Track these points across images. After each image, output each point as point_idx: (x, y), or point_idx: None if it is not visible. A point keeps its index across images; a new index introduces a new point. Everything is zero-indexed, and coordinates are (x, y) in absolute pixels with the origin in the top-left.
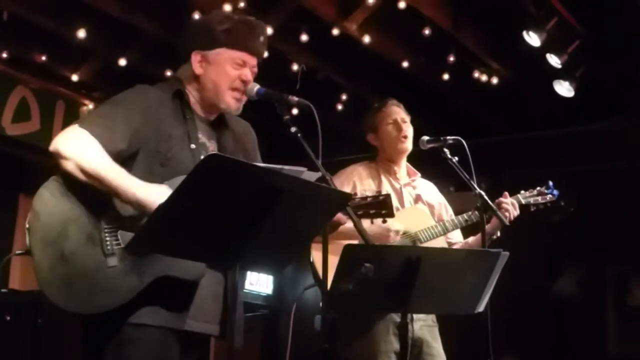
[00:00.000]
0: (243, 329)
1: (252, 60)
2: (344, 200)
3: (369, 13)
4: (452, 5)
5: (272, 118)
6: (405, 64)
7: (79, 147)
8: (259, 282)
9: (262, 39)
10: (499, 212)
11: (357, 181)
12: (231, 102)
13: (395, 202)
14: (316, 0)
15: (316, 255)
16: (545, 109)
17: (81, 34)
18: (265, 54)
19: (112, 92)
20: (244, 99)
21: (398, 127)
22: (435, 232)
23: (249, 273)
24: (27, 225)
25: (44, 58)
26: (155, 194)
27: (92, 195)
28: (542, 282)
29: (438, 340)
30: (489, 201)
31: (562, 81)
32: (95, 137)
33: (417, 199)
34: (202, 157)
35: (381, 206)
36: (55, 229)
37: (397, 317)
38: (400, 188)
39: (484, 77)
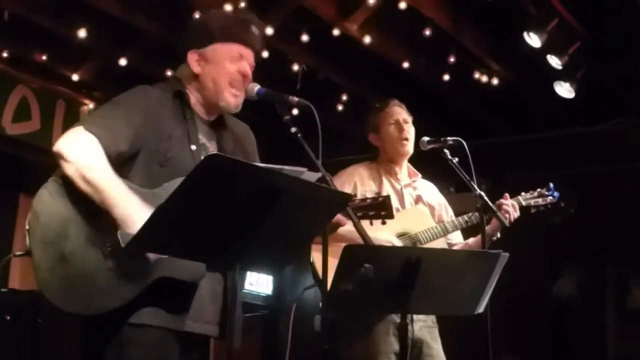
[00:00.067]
0: (242, 329)
1: (249, 54)
2: (344, 201)
3: (370, 13)
4: (452, 5)
5: (272, 118)
6: (405, 65)
7: (83, 153)
8: (258, 283)
9: (256, 30)
10: (499, 213)
11: (359, 182)
12: (230, 99)
13: (396, 203)
14: (317, 1)
15: (316, 256)
16: (545, 110)
17: (82, 33)
18: (266, 54)
19: (112, 92)
20: (242, 96)
21: (400, 128)
22: (435, 233)
23: (248, 273)
24: (26, 227)
25: (44, 58)
26: (134, 217)
27: None
28: (542, 283)
29: (438, 341)
30: (489, 202)
31: (562, 82)
32: (98, 140)
33: (418, 199)
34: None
35: (380, 207)
36: (54, 230)
37: (397, 318)
38: (401, 189)
39: (485, 78)
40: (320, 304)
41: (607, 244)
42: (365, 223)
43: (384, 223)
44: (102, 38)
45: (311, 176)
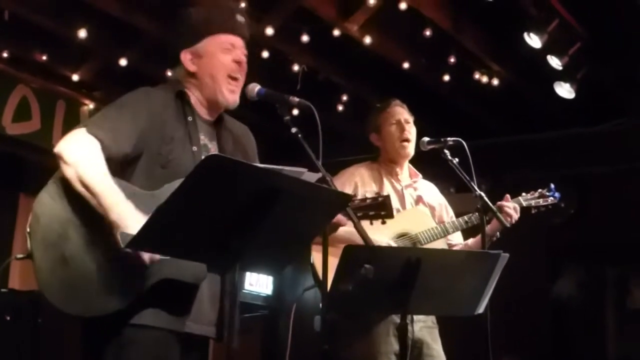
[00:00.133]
0: (241, 329)
1: (239, 42)
2: (344, 202)
3: (370, 14)
4: (452, 6)
5: (272, 119)
6: (406, 65)
7: (82, 156)
8: (258, 283)
9: (241, 18)
10: (499, 214)
11: (359, 182)
12: (228, 94)
13: (396, 204)
14: (317, 1)
15: (316, 256)
16: (545, 110)
17: (82, 33)
18: (266, 55)
19: (112, 92)
20: (239, 89)
21: (401, 128)
22: (435, 233)
23: (248, 273)
24: (27, 229)
25: (44, 57)
26: (127, 221)
27: None
28: (542, 283)
29: (438, 341)
30: (489, 203)
31: (562, 83)
32: (101, 143)
33: (418, 200)
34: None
35: (380, 207)
36: (55, 231)
37: (397, 318)
38: (402, 189)
39: (485, 79)
40: (320, 305)
41: (607, 244)
42: (365, 223)
43: (384, 223)
44: (102, 38)
45: (311, 177)
